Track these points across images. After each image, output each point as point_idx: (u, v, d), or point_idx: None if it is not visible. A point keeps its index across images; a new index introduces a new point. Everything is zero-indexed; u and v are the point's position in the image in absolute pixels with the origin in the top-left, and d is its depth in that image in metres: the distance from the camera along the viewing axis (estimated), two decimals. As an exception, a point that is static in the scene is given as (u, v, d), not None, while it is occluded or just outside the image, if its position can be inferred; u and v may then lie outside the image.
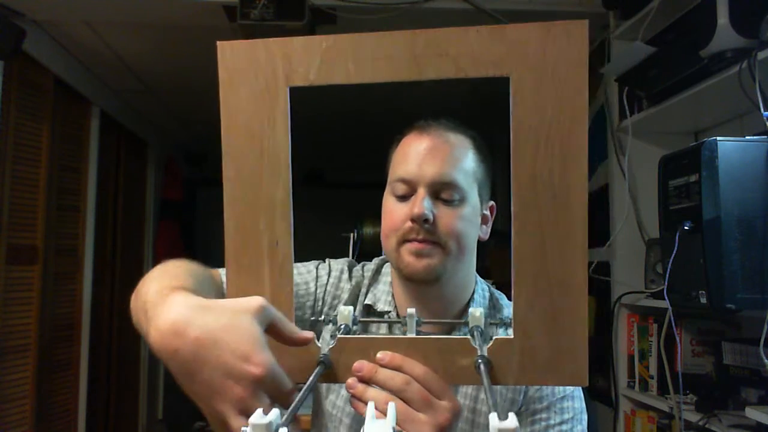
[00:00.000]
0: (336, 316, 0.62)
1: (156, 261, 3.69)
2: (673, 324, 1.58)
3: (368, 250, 2.73)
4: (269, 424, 0.41)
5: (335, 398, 0.88)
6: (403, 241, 0.81)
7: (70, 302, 2.87)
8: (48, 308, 2.61)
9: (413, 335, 0.59)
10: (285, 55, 0.54)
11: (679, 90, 1.71)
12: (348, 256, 2.62)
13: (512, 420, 0.40)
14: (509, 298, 0.90)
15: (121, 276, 3.54)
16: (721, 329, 1.78)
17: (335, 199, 5.15)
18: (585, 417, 0.85)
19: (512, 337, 0.54)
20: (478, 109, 3.53)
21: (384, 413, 0.53)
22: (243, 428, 0.41)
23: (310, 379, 0.52)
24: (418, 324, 0.60)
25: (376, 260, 0.99)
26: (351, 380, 0.56)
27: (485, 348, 0.54)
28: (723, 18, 1.46)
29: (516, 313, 0.53)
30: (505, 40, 0.52)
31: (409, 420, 0.54)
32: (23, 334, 2.43)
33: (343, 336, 0.57)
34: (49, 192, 2.59)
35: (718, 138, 1.41)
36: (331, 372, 0.56)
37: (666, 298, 1.57)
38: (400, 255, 0.82)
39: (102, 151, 3.13)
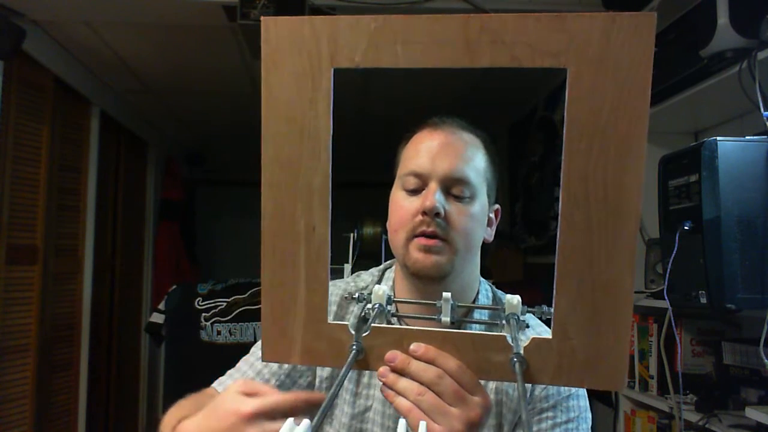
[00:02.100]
0: (370, 294, 0.61)
1: (156, 261, 3.70)
2: (673, 324, 1.58)
3: (368, 250, 2.73)
4: None
5: (340, 414, 0.88)
6: (413, 236, 0.80)
7: (70, 302, 2.87)
8: (48, 308, 2.61)
9: (447, 319, 0.60)
10: (331, 34, 0.52)
11: (679, 90, 1.71)
12: (348, 256, 2.63)
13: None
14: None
15: (121, 276, 3.54)
16: (721, 329, 1.78)
17: (335, 199, 5.14)
18: (589, 416, 0.85)
19: (550, 337, 0.53)
20: (477, 110, 3.53)
21: (416, 404, 0.55)
22: None
23: (346, 365, 0.53)
24: (453, 309, 0.60)
25: (380, 267, 0.98)
26: (383, 369, 0.56)
27: (521, 346, 0.53)
28: (723, 18, 1.46)
29: (557, 313, 0.52)
30: (565, 29, 0.48)
31: (441, 413, 0.55)
32: (23, 334, 2.43)
33: (377, 325, 0.57)
34: (49, 192, 2.59)
35: (718, 138, 1.41)
36: (363, 360, 0.56)
37: (666, 298, 1.57)
38: (408, 251, 0.81)
39: (102, 151, 3.13)
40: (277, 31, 0.53)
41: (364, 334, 0.56)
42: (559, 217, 0.51)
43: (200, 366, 2.77)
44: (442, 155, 0.82)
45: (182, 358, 2.86)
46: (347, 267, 2.56)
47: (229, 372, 0.94)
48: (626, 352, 0.52)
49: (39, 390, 2.51)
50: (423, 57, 0.51)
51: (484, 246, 0.89)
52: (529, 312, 0.59)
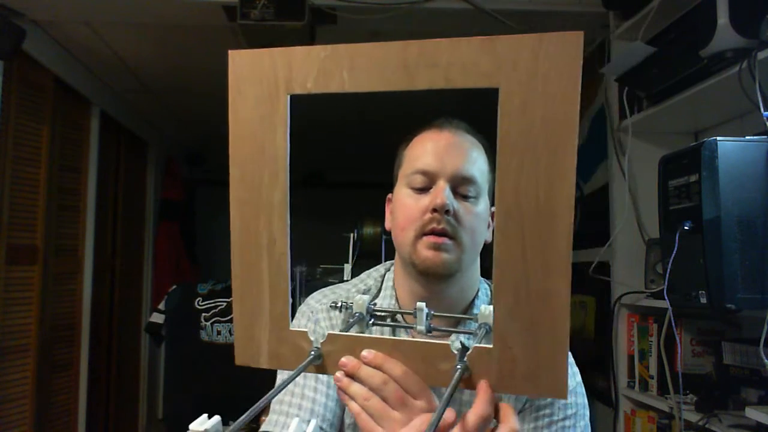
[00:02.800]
0: (352, 303, 0.65)
1: (156, 261, 3.70)
2: (673, 324, 1.58)
3: (368, 250, 2.73)
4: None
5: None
6: (422, 234, 0.81)
7: (70, 302, 2.87)
8: (48, 308, 2.61)
9: (422, 327, 0.62)
10: (286, 63, 0.56)
11: (679, 90, 1.71)
12: (348, 256, 2.62)
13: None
14: None
15: (121, 276, 3.54)
16: (721, 329, 1.78)
17: (335, 200, 5.16)
18: (587, 413, 0.85)
19: (491, 346, 0.54)
20: (474, 111, 3.52)
21: (363, 408, 0.58)
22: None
23: (298, 367, 0.57)
24: (428, 317, 0.62)
25: (381, 266, 0.98)
26: (338, 374, 0.59)
27: (465, 354, 0.55)
28: (723, 18, 1.46)
29: (496, 323, 0.54)
30: (495, 51, 0.51)
31: (384, 417, 0.58)
32: (23, 334, 2.43)
33: (332, 332, 0.60)
34: (49, 192, 2.59)
35: (718, 138, 1.41)
36: (322, 365, 0.60)
37: (666, 298, 1.57)
38: (416, 249, 0.81)
39: (102, 151, 3.13)
40: (241, 62, 0.58)
41: (321, 341, 0.60)
42: (495, 229, 0.53)
43: (200, 366, 2.77)
44: (449, 154, 0.82)
45: (182, 358, 2.86)
46: (347, 267, 2.56)
47: (273, 411, 0.91)
48: (565, 361, 0.53)
49: (39, 390, 2.51)
50: (366, 82, 0.54)
51: (485, 247, 0.89)
52: None
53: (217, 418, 0.46)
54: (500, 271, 0.53)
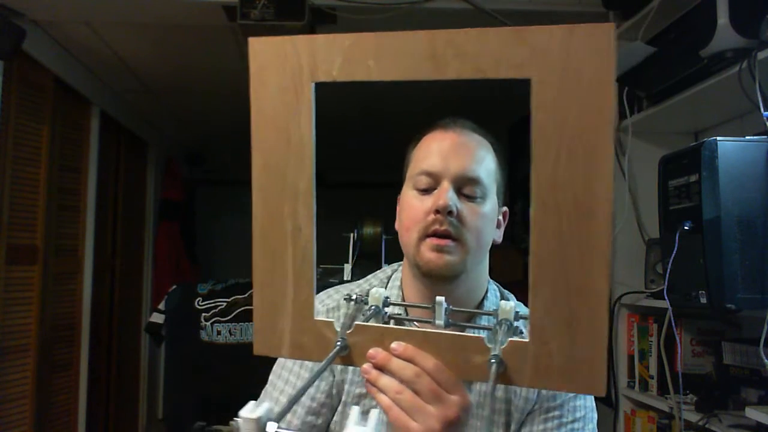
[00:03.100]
0: (366, 296, 0.64)
1: (156, 261, 3.70)
2: (673, 324, 1.58)
3: (368, 250, 2.73)
4: (258, 419, 0.44)
5: None
6: (425, 235, 0.81)
7: (70, 302, 2.87)
8: (48, 308, 2.61)
9: (441, 322, 0.62)
10: (310, 51, 0.56)
11: (679, 90, 1.71)
12: (348, 256, 2.63)
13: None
14: (518, 298, 0.90)
15: (121, 276, 3.54)
16: (721, 329, 1.78)
17: (335, 199, 5.16)
18: (595, 416, 0.86)
19: (527, 340, 0.54)
20: (478, 110, 3.53)
21: (395, 402, 0.57)
22: (234, 420, 0.43)
23: (327, 358, 0.56)
24: (447, 312, 0.62)
25: (386, 269, 0.98)
26: (366, 366, 0.58)
27: (499, 348, 0.54)
28: (723, 18, 1.46)
29: (532, 318, 0.53)
30: (526, 42, 0.51)
31: (418, 411, 0.56)
32: (23, 334, 2.43)
33: (360, 323, 0.59)
34: (49, 192, 2.59)
35: (718, 138, 1.41)
36: (348, 356, 0.59)
37: (666, 298, 1.57)
38: (420, 250, 0.81)
39: (102, 151, 3.13)
40: (262, 50, 0.58)
41: (348, 332, 0.59)
42: (531, 223, 0.52)
43: (200, 366, 2.77)
44: (454, 155, 0.82)
45: (182, 358, 2.86)
46: (347, 267, 2.56)
47: (264, 391, 0.93)
48: (604, 357, 0.52)
49: (39, 390, 2.51)
50: (393, 70, 0.54)
51: (491, 247, 0.89)
52: (523, 319, 0.59)
53: (266, 404, 0.46)
54: (538, 264, 0.52)
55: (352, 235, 2.69)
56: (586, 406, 0.85)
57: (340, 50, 0.55)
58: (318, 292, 0.99)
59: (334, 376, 0.88)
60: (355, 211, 2.85)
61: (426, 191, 0.82)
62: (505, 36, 0.51)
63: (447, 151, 0.83)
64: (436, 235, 0.80)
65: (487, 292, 0.90)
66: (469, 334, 0.57)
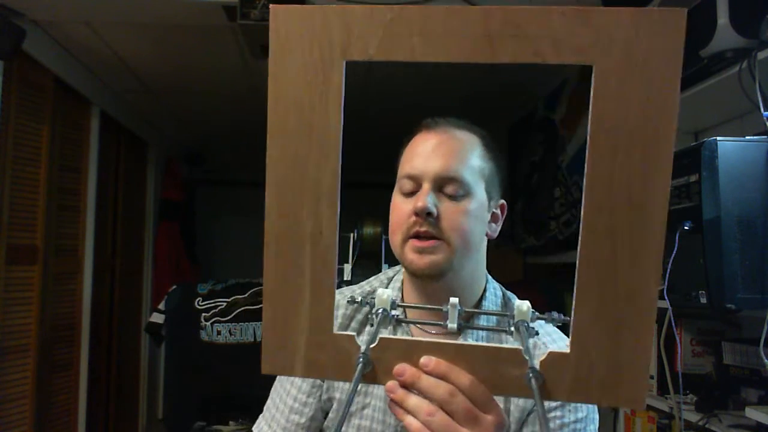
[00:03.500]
0: (374, 299, 0.58)
1: (156, 261, 3.69)
2: (673, 324, 1.58)
3: (368, 250, 2.73)
4: None
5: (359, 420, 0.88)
6: (408, 237, 0.82)
7: (70, 302, 2.87)
8: (48, 308, 2.61)
9: (454, 325, 0.57)
10: (344, 24, 0.49)
11: (679, 90, 1.71)
12: (348, 256, 2.63)
13: None
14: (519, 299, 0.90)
15: (121, 276, 3.54)
16: (721, 329, 1.78)
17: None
18: (596, 416, 0.85)
19: (568, 351, 0.50)
20: (478, 109, 3.53)
21: (426, 425, 0.51)
22: None
23: (354, 379, 0.50)
24: (461, 314, 0.57)
25: (389, 271, 0.99)
26: (391, 383, 0.52)
27: (537, 360, 0.50)
28: (723, 18, 1.46)
29: (576, 326, 0.49)
30: (591, 24, 0.46)
31: None
32: (23, 334, 2.43)
33: (385, 336, 0.53)
34: (49, 192, 2.59)
35: (718, 138, 1.41)
36: (370, 373, 0.53)
37: (666, 298, 1.57)
38: (404, 252, 0.83)
39: (102, 151, 3.13)
40: (286, 20, 0.50)
41: (372, 345, 0.53)
42: (581, 225, 0.48)
43: (200, 366, 2.77)
44: (434, 156, 0.82)
45: (182, 358, 2.86)
46: (347, 267, 2.56)
47: (263, 414, 0.95)
48: (647, 368, 0.49)
49: (39, 390, 2.51)
50: (441, 50, 0.48)
51: (489, 243, 0.89)
52: (539, 319, 0.56)
53: None
54: (585, 270, 0.48)
55: (352, 235, 2.69)
56: (587, 406, 0.85)
57: (380, 25, 0.48)
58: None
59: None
60: (355, 211, 2.85)
61: (410, 194, 0.83)
62: (569, 16, 0.46)
63: (428, 153, 0.83)
64: (417, 236, 0.81)
65: (485, 291, 0.90)
66: (506, 346, 0.52)
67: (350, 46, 0.49)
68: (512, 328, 0.56)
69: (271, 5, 0.50)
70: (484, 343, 0.55)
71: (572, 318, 0.49)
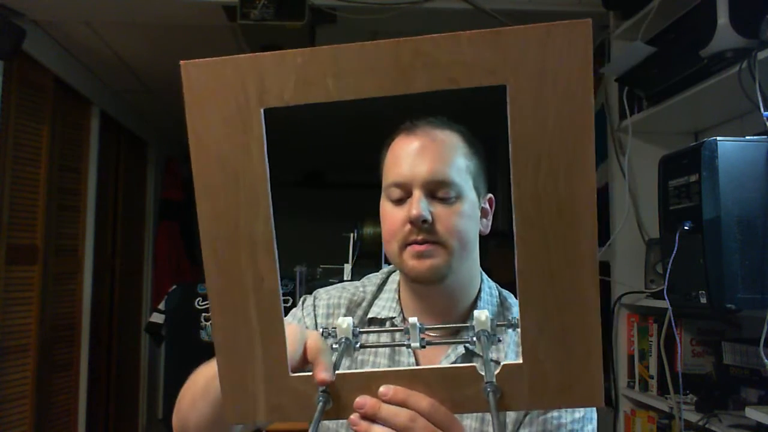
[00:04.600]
0: (335, 329, 0.59)
1: (156, 261, 3.69)
2: (673, 324, 1.58)
3: (368, 250, 2.73)
4: None
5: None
6: (405, 245, 0.81)
7: (70, 302, 2.87)
8: (48, 308, 2.61)
9: (417, 344, 0.58)
10: (256, 73, 0.49)
11: (679, 90, 1.71)
12: (348, 256, 2.63)
13: None
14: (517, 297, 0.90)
15: (121, 276, 3.54)
16: (721, 329, 1.78)
17: (335, 200, 5.15)
18: (595, 416, 0.85)
19: (521, 362, 0.51)
20: (475, 109, 3.52)
21: None
22: None
23: (314, 419, 0.50)
24: (421, 331, 0.58)
25: (384, 270, 0.99)
26: (354, 416, 0.53)
27: (493, 375, 0.51)
28: (723, 18, 1.46)
29: (524, 338, 0.50)
30: (500, 45, 0.47)
31: None
32: (23, 334, 2.43)
33: (341, 371, 0.54)
34: (49, 192, 2.59)
35: (718, 138, 1.41)
36: (333, 408, 0.54)
37: (666, 298, 1.57)
38: (403, 259, 0.82)
39: (102, 151, 3.14)
40: (199, 75, 0.50)
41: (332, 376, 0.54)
42: (515, 239, 0.49)
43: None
44: (420, 160, 0.81)
45: (182, 358, 2.85)
46: (347, 267, 2.55)
47: None
48: (600, 368, 0.50)
49: (39, 390, 2.51)
50: (356, 88, 0.48)
51: (482, 246, 0.89)
52: (499, 326, 0.57)
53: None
54: (525, 282, 0.49)
55: (352, 235, 2.68)
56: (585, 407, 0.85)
57: (292, 69, 0.48)
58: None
59: None
60: (355, 211, 2.85)
61: (400, 201, 0.82)
62: (477, 40, 0.47)
63: (413, 158, 0.82)
64: (415, 243, 0.80)
65: (480, 291, 0.90)
66: (460, 365, 0.54)
67: (265, 94, 0.49)
68: (473, 338, 0.56)
69: (181, 61, 0.50)
70: (441, 366, 0.55)
71: (520, 329, 0.51)
